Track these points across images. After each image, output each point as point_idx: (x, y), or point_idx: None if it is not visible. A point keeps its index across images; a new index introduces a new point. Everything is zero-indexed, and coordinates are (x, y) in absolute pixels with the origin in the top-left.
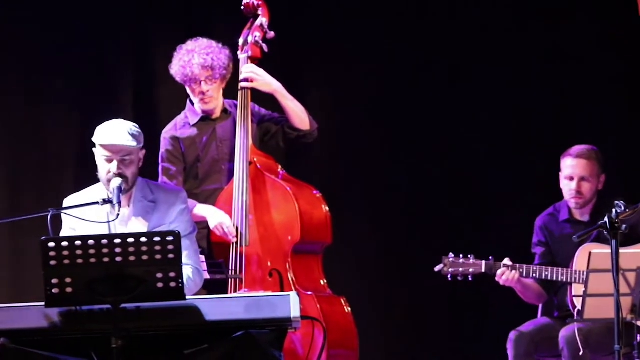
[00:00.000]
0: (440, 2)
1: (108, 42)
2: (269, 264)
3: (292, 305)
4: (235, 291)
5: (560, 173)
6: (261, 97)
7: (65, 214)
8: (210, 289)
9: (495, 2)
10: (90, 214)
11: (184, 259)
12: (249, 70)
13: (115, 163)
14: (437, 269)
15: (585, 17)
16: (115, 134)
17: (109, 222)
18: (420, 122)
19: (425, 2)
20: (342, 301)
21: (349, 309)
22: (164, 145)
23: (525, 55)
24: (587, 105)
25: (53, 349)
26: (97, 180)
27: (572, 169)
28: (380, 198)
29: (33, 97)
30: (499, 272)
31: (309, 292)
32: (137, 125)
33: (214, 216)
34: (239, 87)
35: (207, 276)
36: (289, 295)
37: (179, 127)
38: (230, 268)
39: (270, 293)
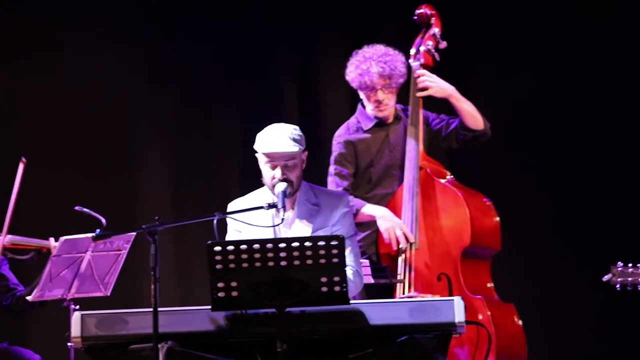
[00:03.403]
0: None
1: (273, 45)
2: (438, 267)
3: (456, 310)
4: (403, 294)
5: None
6: (429, 99)
7: (231, 218)
8: (376, 293)
9: None
10: (255, 218)
11: None
12: (423, 77)
13: (279, 169)
14: (605, 278)
15: None
16: (276, 140)
17: (274, 226)
18: (588, 125)
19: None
20: (512, 307)
21: (518, 315)
22: (337, 148)
23: None
24: None
25: (219, 352)
26: (262, 185)
27: None
28: (549, 204)
29: (196, 101)
30: None
31: (478, 296)
32: (297, 128)
33: (385, 219)
34: (416, 96)
35: (370, 280)
36: (453, 300)
37: (352, 131)
38: (399, 272)
39: (434, 297)
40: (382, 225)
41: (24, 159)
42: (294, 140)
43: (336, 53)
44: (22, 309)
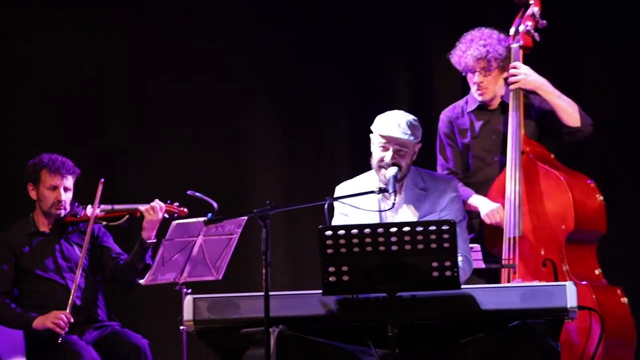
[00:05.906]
0: None
1: (384, 31)
2: (543, 253)
3: (568, 295)
4: (508, 281)
5: None
6: None
7: (343, 202)
8: (484, 278)
9: None
10: (362, 202)
11: None
12: (512, 70)
13: (390, 152)
14: None
15: None
16: (393, 125)
17: (381, 211)
18: None
19: None
20: (619, 291)
21: (626, 299)
22: (441, 126)
23: None
24: None
25: (330, 336)
26: (369, 168)
27: None
28: None
29: (309, 87)
30: None
31: (584, 282)
32: (417, 119)
33: (486, 205)
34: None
35: (482, 265)
36: (565, 285)
37: (457, 111)
38: (504, 257)
39: (546, 283)
40: (483, 211)
41: (102, 180)
42: (411, 129)
43: (447, 40)
44: (127, 276)
